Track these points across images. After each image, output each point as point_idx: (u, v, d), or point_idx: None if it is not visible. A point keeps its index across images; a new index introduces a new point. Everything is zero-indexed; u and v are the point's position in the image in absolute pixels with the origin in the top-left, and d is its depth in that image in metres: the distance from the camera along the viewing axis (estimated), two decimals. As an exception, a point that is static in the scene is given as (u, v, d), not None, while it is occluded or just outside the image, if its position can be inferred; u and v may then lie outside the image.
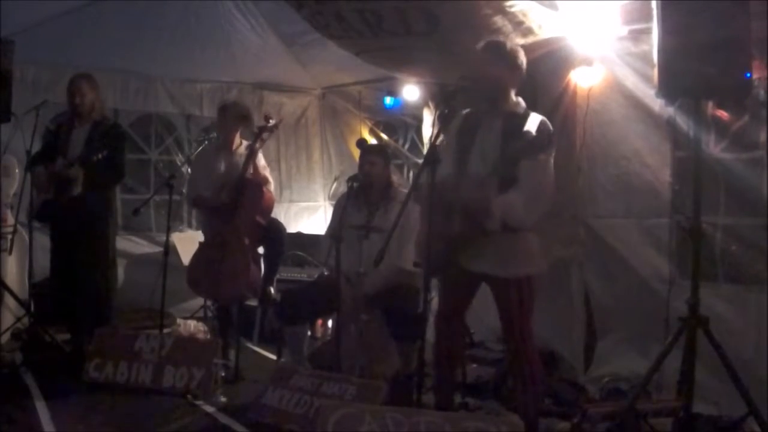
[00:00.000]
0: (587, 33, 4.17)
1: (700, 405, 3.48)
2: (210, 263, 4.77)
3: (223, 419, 3.92)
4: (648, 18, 3.42)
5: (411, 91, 5.88)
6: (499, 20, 3.88)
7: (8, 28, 4.67)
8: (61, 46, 5.51)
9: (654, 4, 3.24)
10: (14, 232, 4.98)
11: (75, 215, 4.65)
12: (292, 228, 6.70)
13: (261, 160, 5.07)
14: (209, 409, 4.06)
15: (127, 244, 6.34)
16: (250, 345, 5.58)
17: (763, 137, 3.68)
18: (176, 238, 6.14)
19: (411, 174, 6.39)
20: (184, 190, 6.23)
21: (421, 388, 3.21)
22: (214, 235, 4.89)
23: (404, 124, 6.66)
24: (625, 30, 4.12)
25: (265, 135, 4.97)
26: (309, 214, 7.44)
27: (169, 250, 4.82)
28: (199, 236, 5.31)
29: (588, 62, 4.31)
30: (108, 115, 5.16)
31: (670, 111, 3.94)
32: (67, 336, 4.85)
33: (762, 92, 3.61)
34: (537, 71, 4.41)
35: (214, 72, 6.64)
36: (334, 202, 5.30)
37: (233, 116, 5.03)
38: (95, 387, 4.24)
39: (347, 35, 4.40)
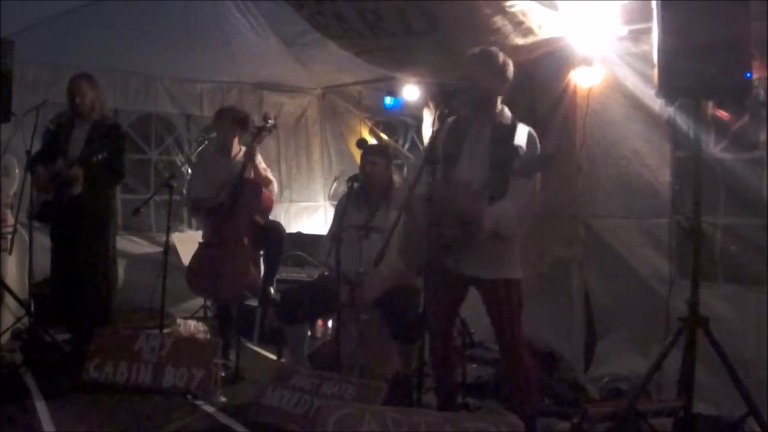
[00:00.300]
0: (587, 33, 4.17)
1: (700, 405, 3.49)
2: (210, 263, 4.76)
3: (223, 419, 3.92)
4: (648, 18, 3.42)
5: (411, 91, 5.88)
6: (499, 20, 3.88)
7: (8, 28, 4.66)
8: (61, 46, 5.51)
9: (654, 4, 3.24)
10: (14, 232, 4.97)
11: (75, 215, 4.66)
12: (292, 228, 6.71)
13: (261, 162, 5.06)
14: (209, 409, 4.06)
15: (127, 244, 6.34)
16: (250, 345, 5.58)
17: (763, 137, 3.68)
18: (176, 238, 6.14)
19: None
20: (184, 191, 6.24)
21: (421, 388, 3.22)
22: (214, 235, 4.89)
23: (404, 124, 6.66)
24: (625, 30, 4.12)
25: (263, 134, 4.97)
26: (309, 214, 7.43)
27: (169, 250, 4.82)
28: (199, 236, 5.31)
29: (588, 62, 4.31)
30: (108, 115, 5.15)
31: (670, 111, 3.93)
32: (67, 336, 4.85)
33: (762, 92, 3.61)
34: (537, 71, 4.43)
35: (214, 72, 6.64)
36: (334, 202, 5.31)
37: (230, 120, 5.04)
38: (95, 387, 4.23)
39: (347, 35, 4.40)
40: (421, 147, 6.24)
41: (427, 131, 5.85)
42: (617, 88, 4.29)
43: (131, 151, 6.35)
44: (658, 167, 4.17)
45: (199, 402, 4.12)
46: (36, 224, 4.86)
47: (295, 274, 5.79)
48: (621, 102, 4.29)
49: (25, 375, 4.43)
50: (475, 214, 3.19)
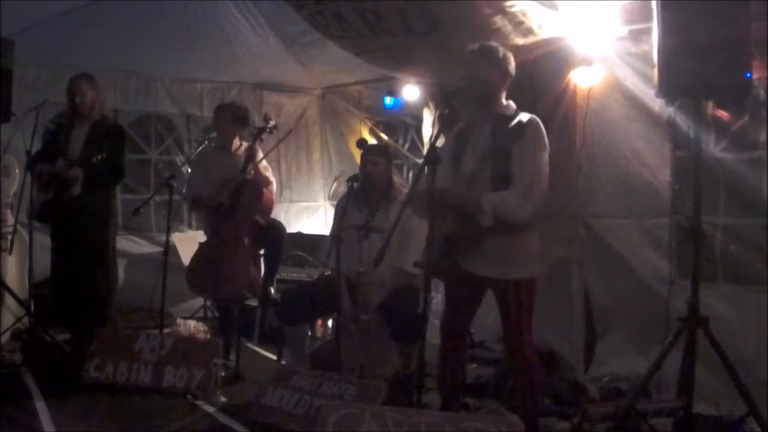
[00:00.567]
0: (587, 33, 4.17)
1: (700, 405, 3.49)
2: (210, 263, 4.77)
3: (223, 419, 3.92)
4: (648, 18, 3.42)
5: (411, 91, 5.88)
6: (499, 20, 3.88)
7: (8, 28, 4.66)
8: (61, 46, 5.51)
9: (654, 4, 3.24)
10: (14, 232, 4.97)
11: (75, 215, 4.65)
12: (292, 228, 6.71)
13: (263, 161, 5.06)
14: (209, 409, 4.06)
15: (127, 244, 6.34)
16: (250, 345, 5.58)
17: (763, 137, 3.69)
18: (176, 238, 6.15)
19: (411, 174, 6.40)
20: (184, 191, 6.24)
21: (421, 388, 3.22)
22: (214, 235, 4.90)
23: (404, 124, 6.66)
24: (625, 30, 4.12)
25: (263, 135, 4.97)
26: (309, 214, 7.44)
27: (169, 250, 4.81)
28: (199, 236, 5.32)
29: (588, 62, 4.31)
30: (108, 115, 5.15)
31: (670, 111, 3.94)
32: (67, 336, 4.85)
33: (762, 92, 3.61)
34: (537, 71, 4.43)
35: (214, 72, 6.65)
36: (334, 202, 5.30)
37: (230, 117, 5.04)
38: (95, 387, 4.23)
39: (347, 35, 4.40)
40: (421, 147, 6.24)
41: (427, 131, 5.85)
42: (617, 88, 4.29)
43: (131, 151, 6.34)
44: (658, 167, 4.17)
45: (199, 402, 4.12)
46: (36, 224, 4.86)
47: (295, 274, 5.79)
48: (621, 102, 4.29)
49: (25, 375, 4.43)
50: (475, 202, 3.18)
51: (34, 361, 4.57)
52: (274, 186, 5.12)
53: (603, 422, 3.24)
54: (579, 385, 4.37)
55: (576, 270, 4.55)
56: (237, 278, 4.74)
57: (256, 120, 5.89)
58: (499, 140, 3.25)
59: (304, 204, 7.45)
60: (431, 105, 5.73)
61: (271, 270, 5.09)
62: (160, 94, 6.60)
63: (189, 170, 6.42)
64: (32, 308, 4.90)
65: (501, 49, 3.38)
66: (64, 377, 4.35)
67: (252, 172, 4.89)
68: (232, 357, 4.76)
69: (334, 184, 7.29)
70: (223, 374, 4.44)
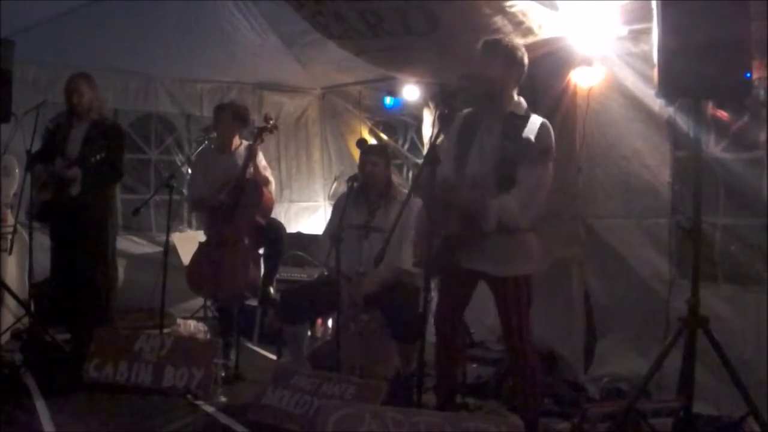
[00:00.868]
0: (587, 33, 4.16)
1: (700, 405, 3.48)
2: (210, 263, 4.77)
3: (223, 419, 3.92)
4: (648, 18, 3.42)
5: (411, 91, 5.88)
6: (499, 20, 3.88)
7: (8, 28, 4.67)
8: (61, 46, 5.51)
9: (654, 4, 3.24)
10: (14, 232, 4.97)
11: (75, 215, 4.66)
12: (292, 228, 6.71)
13: (262, 160, 5.07)
14: (209, 409, 4.06)
15: (127, 244, 6.34)
16: (250, 345, 5.58)
17: (763, 137, 3.68)
18: (176, 238, 6.14)
19: (411, 174, 6.40)
20: (184, 191, 6.24)
21: (421, 388, 3.22)
22: (214, 235, 4.90)
23: (404, 124, 6.65)
24: (625, 30, 4.12)
25: (264, 135, 4.97)
26: (309, 214, 7.44)
27: (169, 250, 4.81)
28: (199, 236, 5.31)
29: (588, 62, 4.31)
30: (106, 114, 5.15)
31: (670, 111, 3.94)
32: (67, 336, 4.85)
33: (762, 92, 3.61)
34: (537, 71, 4.39)
35: (214, 72, 6.65)
36: (334, 202, 5.30)
37: (230, 117, 5.04)
38: (95, 387, 4.23)
39: (347, 35, 4.40)
40: (421, 147, 6.24)
41: (427, 131, 5.85)
42: (617, 88, 4.29)
43: (131, 151, 6.36)
44: (657, 167, 4.17)
45: (199, 402, 4.12)
46: (36, 224, 4.86)
47: (295, 274, 5.79)
48: (621, 102, 4.29)
49: (25, 375, 4.43)
50: (481, 207, 3.17)
51: (34, 361, 4.57)
52: (274, 186, 5.12)
53: (603, 422, 3.23)
54: (579, 385, 4.37)
55: (576, 270, 4.55)
56: (237, 278, 4.74)
57: (256, 120, 5.89)
58: (510, 145, 3.21)
59: (304, 204, 7.45)
60: (431, 105, 5.73)
61: (270, 270, 5.09)
62: (160, 94, 6.60)
63: (189, 170, 6.43)
64: (32, 308, 4.90)
65: (505, 40, 3.35)
66: (64, 377, 4.35)
67: (252, 171, 4.89)
68: (232, 357, 4.77)
69: (334, 184, 7.29)
70: (223, 374, 4.43)
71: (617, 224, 4.38)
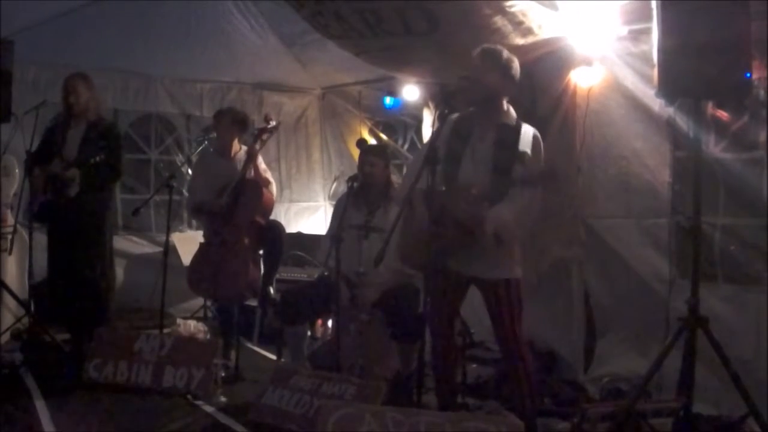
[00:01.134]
0: (587, 33, 4.17)
1: (700, 405, 3.48)
2: (210, 263, 4.76)
3: (223, 419, 3.92)
4: (648, 18, 3.42)
5: (411, 91, 5.88)
6: (499, 20, 3.88)
7: (8, 28, 4.67)
8: (61, 46, 5.51)
9: (654, 4, 3.24)
10: (14, 232, 4.97)
11: (73, 216, 4.65)
12: (292, 228, 6.71)
13: (262, 163, 5.06)
14: (209, 409, 4.06)
15: (127, 244, 6.35)
16: (250, 345, 5.58)
17: (763, 137, 3.68)
18: (176, 238, 6.14)
19: (410, 174, 6.39)
20: (184, 191, 6.24)
21: (421, 388, 3.22)
22: (214, 235, 4.89)
23: (404, 124, 6.66)
24: (625, 30, 4.12)
25: (264, 136, 4.97)
26: (309, 214, 7.43)
27: (169, 250, 4.82)
28: (199, 236, 5.31)
29: (588, 62, 4.31)
30: (104, 115, 5.13)
31: (670, 111, 3.93)
32: (67, 336, 4.85)
33: (762, 92, 3.60)
34: (537, 71, 4.42)
35: (214, 72, 6.65)
36: (334, 202, 5.30)
37: (230, 122, 5.03)
38: (95, 387, 4.23)
39: (347, 35, 4.40)
40: (420, 147, 6.24)
41: (427, 131, 5.84)
42: (617, 88, 4.29)
43: (131, 151, 6.37)
44: (657, 167, 4.17)
45: (199, 402, 4.12)
46: (35, 224, 4.86)
47: (295, 274, 5.79)
48: (621, 102, 4.29)
49: (25, 375, 4.43)
50: (477, 219, 3.19)
51: (34, 361, 4.56)
52: (273, 187, 5.13)
53: (603, 422, 3.23)
54: (579, 385, 4.37)
55: (576, 270, 4.55)
56: (237, 278, 4.74)
57: (256, 121, 5.89)
58: (503, 154, 3.26)
59: (304, 204, 7.44)
60: (431, 105, 5.72)
61: (270, 270, 5.09)
62: (160, 94, 6.60)
63: (189, 171, 6.43)
64: (32, 308, 4.90)
65: (505, 52, 3.37)
66: (64, 377, 4.35)
67: (252, 172, 4.89)
68: (232, 357, 4.76)
69: (334, 184, 7.29)
70: (223, 374, 4.43)
71: (617, 224, 4.38)
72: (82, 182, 4.60)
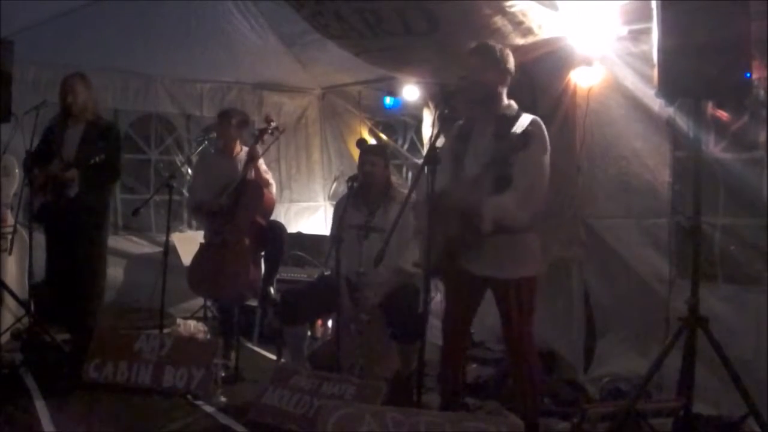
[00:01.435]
0: (587, 33, 4.16)
1: (700, 405, 3.48)
2: (210, 263, 4.77)
3: (223, 419, 3.92)
4: (648, 18, 3.42)
5: (411, 91, 5.87)
6: (499, 20, 3.88)
7: (8, 28, 4.67)
8: (61, 46, 5.51)
9: (654, 4, 3.24)
10: (14, 232, 4.97)
11: (72, 216, 4.65)
12: (292, 228, 6.70)
13: (262, 164, 5.06)
14: (209, 409, 4.06)
15: (127, 244, 6.35)
16: (250, 345, 5.57)
17: (763, 137, 3.68)
18: (176, 238, 6.14)
19: (410, 174, 6.39)
20: (184, 191, 6.24)
21: (421, 388, 3.22)
22: (215, 236, 4.90)
23: (404, 124, 6.66)
24: (625, 30, 4.12)
25: (266, 137, 4.97)
26: (309, 214, 7.43)
27: (169, 250, 4.82)
28: (199, 236, 5.31)
29: (588, 62, 4.31)
30: (102, 115, 5.13)
31: (669, 111, 3.93)
32: (67, 336, 4.85)
33: (762, 92, 3.60)
34: (537, 71, 4.42)
35: (214, 72, 6.65)
36: (334, 202, 5.30)
37: (234, 123, 5.03)
38: (95, 387, 4.24)
39: (347, 35, 4.40)
40: (420, 147, 6.24)
41: (427, 131, 5.85)
42: (617, 88, 4.29)
43: (131, 151, 6.37)
44: (657, 167, 4.17)
45: (199, 402, 4.12)
46: (35, 224, 4.86)
47: (295, 274, 5.79)
48: (621, 102, 4.29)
49: (25, 375, 4.43)
50: (475, 207, 3.17)
51: (34, 361, 4.56)
52: (274, 188, 5.13)
53: (603, 422, 3.23)
54: (579, 385, 4.37)
55: (576, 270, 4.55)
56: (237, 278, 4.74)
57: (257, 121, 5.89)
58: (502, 144, 3.22)
59: (304, 204, 7.44)
60: (431, 105, 5.72)
61: (271, 270, 5.09)
62: (160, 94, 6.59)
63: (189, 171, 6.43)
64: (32, 308, 4.90)
65: (498, 47, 3.37)
66: (64, 377, 4.35)
67: (253, 173, 4.89)
68: (232, 357, 4.76)
69: (334, 184, 7.29)
70: (223, 374, 4.43)
71: (617, 224, 4.38)
72: (81, 182, 4.60)
